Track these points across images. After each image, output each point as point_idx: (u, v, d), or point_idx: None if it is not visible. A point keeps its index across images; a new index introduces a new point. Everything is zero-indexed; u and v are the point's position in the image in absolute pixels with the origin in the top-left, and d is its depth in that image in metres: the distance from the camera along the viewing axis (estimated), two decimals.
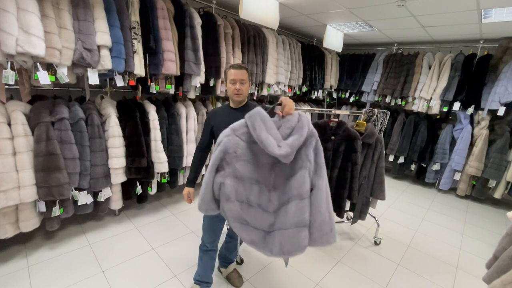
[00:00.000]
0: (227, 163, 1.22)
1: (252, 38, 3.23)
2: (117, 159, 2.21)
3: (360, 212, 2.28)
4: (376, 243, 2.47)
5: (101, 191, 2.21)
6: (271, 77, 3.54)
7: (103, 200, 2.25)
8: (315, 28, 4.03)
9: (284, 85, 3.86)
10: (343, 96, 5.05)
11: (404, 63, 4.11)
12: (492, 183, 3.41)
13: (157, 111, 2.50)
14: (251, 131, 1.17)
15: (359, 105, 5.17)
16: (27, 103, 1.91)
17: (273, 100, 4.47)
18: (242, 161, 1.22)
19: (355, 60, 4.82)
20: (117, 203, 2.39)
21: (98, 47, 1.93)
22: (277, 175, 1.25)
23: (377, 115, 2.34)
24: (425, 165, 4.02)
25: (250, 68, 3.22)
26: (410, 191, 3.95)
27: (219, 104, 3.31)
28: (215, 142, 1.37)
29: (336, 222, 2.60)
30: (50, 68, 1.81)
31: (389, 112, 2.51)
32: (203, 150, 1.62)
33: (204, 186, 1.26)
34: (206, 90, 2.92)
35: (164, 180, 2.66)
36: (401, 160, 4.14)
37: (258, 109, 1.20)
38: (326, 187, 1.24)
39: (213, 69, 2.80)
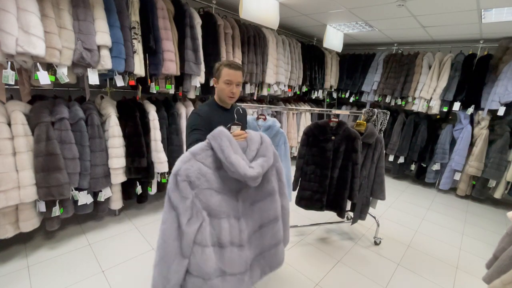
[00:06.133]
0: (196, 196, 1.00)
1: (252, 38, 3.23)
2: (117, 159, 2.21)
3: (360, 212, 2.28)
4: (376, 243, 2.47)
5: (101, 191, 2.21)
6: (271, 77, 3.54)
7: (103, 200, 2.25)
8: (315, 28, 4.03)
9: (284, 85, 3.86)
10: (343, 96, 5.05)
11: (404, 63, 4.11)
12: (492, 183, 3.41)
13: (157, 111, 2.50)
14: (218, 154, 1.01)
15: (359, 105, 5.17)
16: (27, 103, 1.91)
17: (273, 100, 4.47)
18: (209, 191, 1.02)
19: (355, 60, 4.82)
20: (117, 203, 2.39)
21: (98, 47, 1.93)
22: (244, 202, 1.13)
23: (377, 115, 2.34)
24: (425, 165, 4.02)
25: (250, 68, 3.22)
26: (410, 191, 3.95)
27: None
28: None
29: (336, 222, 2.61)
30: (50, 68, 1.81)
31: (389, 112, 2.51)
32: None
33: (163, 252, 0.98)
34: (206, 90, 2.92)
35: (164, 180, 2.65)
36: (401, 160, 4.14)
37: (222, 128, 1.05)
38: (287, 203, 1.28)
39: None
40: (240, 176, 1.00)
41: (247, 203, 1.14)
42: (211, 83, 2.87)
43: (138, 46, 2.18)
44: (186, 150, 1.25)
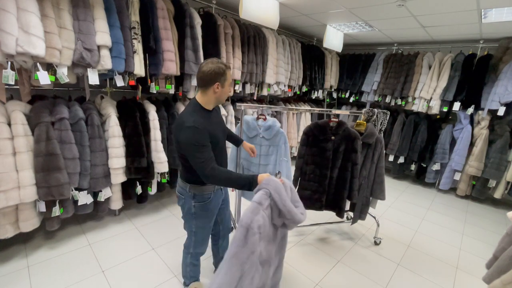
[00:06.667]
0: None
1: (252, 38, 3.23)
2: (117, 159, 2.21)
3: (360, 212, 2.28)
4: (376, 243, 2.47)
5: (101, 191, 2.21)
6: (271, 77, 3.54)
7: (103, 200, 2.25)
8: (315, 28, 4.03)
9: (284, 85, 3.86)
10: (343, 96, 5.05)
11: (404, 63, 4.11)
12: (492, 183, 3.41)
13: (157, 111, 2.50)
14: (278, 204, 1.02)
15: (359, 105, 5.17)
16: (27, 103, 1.91)
17: (273, 100, 4.47)
18: (264, 242, 1.01)
19: (355, 60, 4.82)
20: (117, 203, 2.39)
21: (98, 47, 1.93)
22: (274, 246, 1.13)
23: (377, 115, 2.34)
24: (425, 165, 4.01)
25: (250, 68, 3.22)
26: (410, 191, 3.95)
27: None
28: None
29: (336, 222, 2.61)
30: (50, 68, 1.81)
31: (389, 112, 2.51)
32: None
33: None
34: None
35: (164, 180, 2.66)
36: (401, 160, 4.14)
37: (275, 179, 1.07)
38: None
39: None
40: (293, 222, 1.03)
41: (275, 246, 1.14)
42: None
43: (138, 46, 2.18)
44: (202, 167, 1.22)
